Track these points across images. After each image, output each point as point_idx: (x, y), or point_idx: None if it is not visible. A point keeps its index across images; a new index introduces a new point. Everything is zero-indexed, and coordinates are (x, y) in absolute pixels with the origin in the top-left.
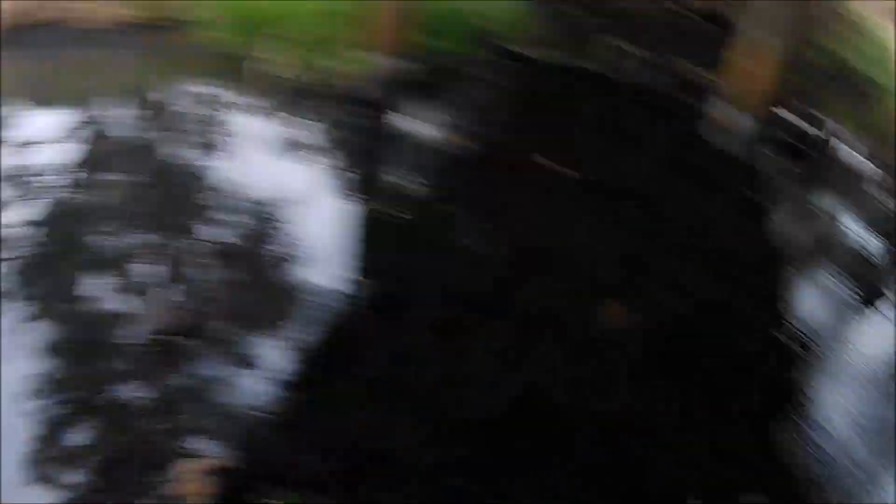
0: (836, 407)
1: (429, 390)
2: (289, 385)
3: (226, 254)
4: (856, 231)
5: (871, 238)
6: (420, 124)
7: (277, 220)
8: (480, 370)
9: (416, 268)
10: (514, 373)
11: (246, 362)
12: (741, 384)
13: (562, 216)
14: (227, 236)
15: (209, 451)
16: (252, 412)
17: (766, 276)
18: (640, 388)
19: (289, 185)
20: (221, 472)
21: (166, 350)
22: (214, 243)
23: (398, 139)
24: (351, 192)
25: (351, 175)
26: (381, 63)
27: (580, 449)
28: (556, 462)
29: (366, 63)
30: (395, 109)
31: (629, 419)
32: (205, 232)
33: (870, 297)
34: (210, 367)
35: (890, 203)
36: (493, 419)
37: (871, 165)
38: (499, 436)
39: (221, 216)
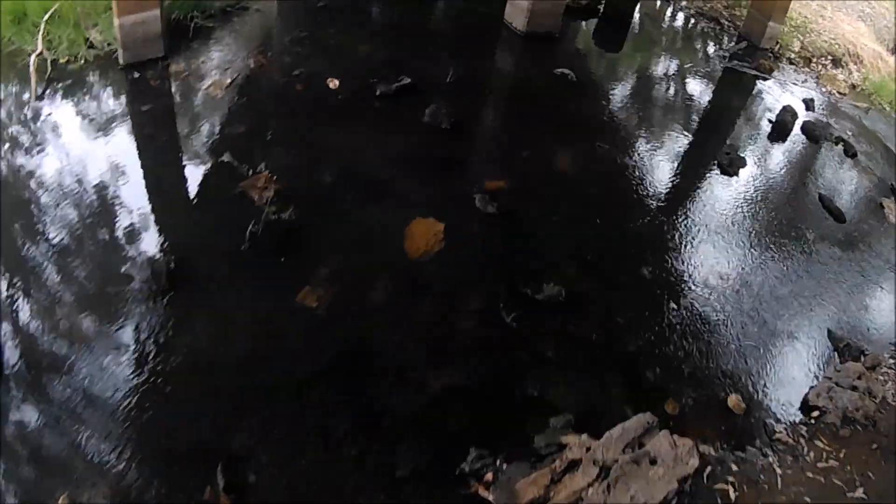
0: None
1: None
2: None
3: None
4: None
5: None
6: (206, 69)
7: (105, 202)
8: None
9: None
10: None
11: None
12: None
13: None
14: (62, 232)
15: None
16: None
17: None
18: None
19: (105, 164)
20: None
21: None
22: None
23: (189, 90)
24: (158, 156)
25: (155, 139)
26: (147, 21)
27: None
28: None
29: (134, 25)
30: (178, 61)
31: None
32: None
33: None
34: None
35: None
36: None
37: (704, 23)
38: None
39: (52, 212)
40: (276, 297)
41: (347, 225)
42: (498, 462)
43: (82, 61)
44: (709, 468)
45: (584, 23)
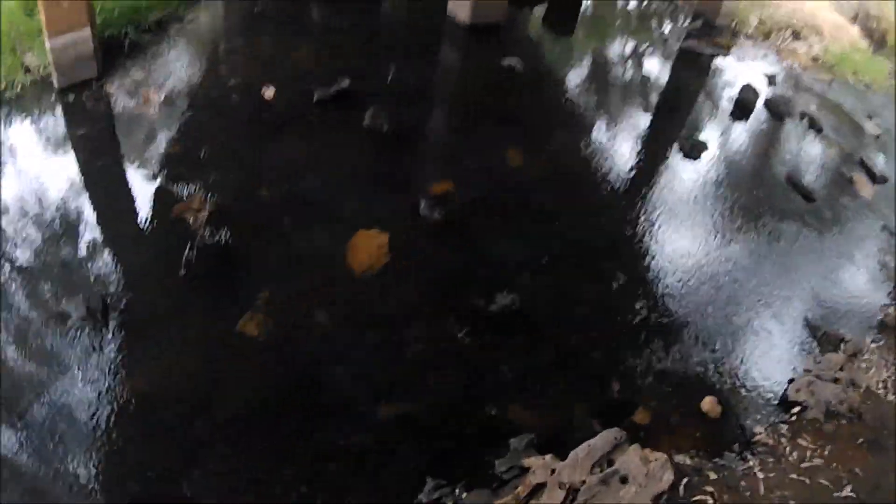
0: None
1: None
2: None
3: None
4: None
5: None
6: (140, 87)
7: (38, 236)
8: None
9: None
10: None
11: None
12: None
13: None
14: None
15: None
16: None
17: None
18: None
19: (38, 195)
20: None
21: None
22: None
23: (124, 111)
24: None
25: (89, 166)
26: (78, 41)
27: None
28: None
29: (65, 47)
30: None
31: None
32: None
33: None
34: None
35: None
36: None
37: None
38: None
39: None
40: (216, 328)
41: (287, 242)
42: (457, 491)
43: (18, 88)
44: (685, 480)
45: (532, 9)
